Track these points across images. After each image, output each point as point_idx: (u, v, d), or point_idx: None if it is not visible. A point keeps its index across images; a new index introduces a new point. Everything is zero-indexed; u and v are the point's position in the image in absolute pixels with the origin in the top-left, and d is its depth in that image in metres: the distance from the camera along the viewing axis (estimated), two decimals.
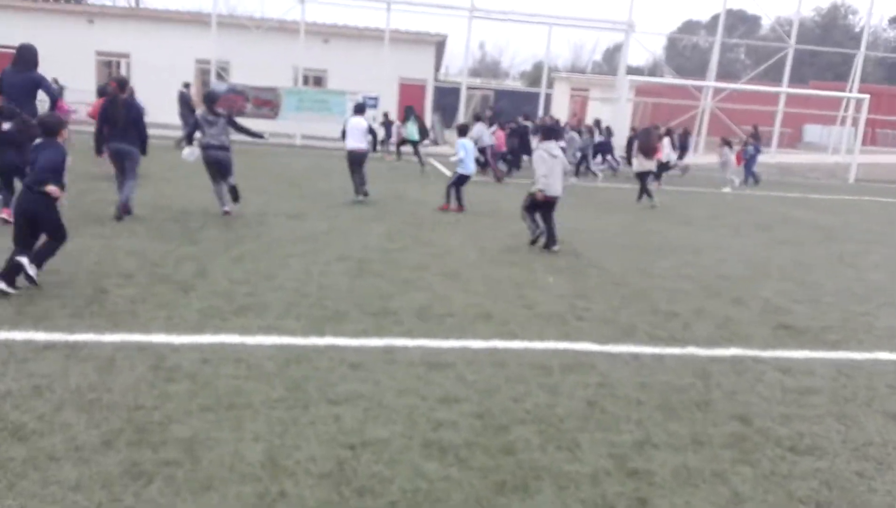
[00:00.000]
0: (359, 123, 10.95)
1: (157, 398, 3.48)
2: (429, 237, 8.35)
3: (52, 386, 3.54)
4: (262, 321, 4.80)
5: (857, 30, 47.47)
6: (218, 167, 8.71)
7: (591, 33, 55.13)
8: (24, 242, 5.12)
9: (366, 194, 11.00)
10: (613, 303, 5.90)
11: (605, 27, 28.07)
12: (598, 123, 19.75)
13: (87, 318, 4.63)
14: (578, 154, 17.40)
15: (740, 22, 54.09)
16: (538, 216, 8.16)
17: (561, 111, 30.12)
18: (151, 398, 3.48)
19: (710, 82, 25.45)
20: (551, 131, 8.94)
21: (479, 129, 15.11)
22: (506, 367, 4.20)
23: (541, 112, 25.50)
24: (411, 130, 18.60)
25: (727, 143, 17.20)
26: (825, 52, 40.73)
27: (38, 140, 5.49)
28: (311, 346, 4.37)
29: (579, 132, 18.36)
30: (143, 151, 8.45)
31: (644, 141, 13.13)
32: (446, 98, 28.23)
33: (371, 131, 12.41)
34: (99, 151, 8.56)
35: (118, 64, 26.62)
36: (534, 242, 8.19)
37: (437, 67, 32.40)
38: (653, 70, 51.36)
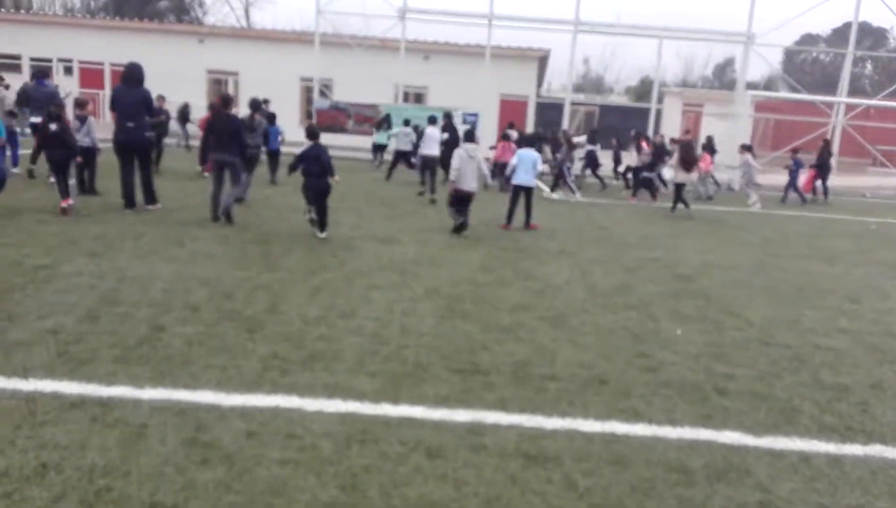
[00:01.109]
0: (433, 133, 12.69)
1: (179, 492, 2.73)
2: (529, 270, 7.40)
3: (61, 465, 2.87)
4: (329, 377, 4.02)
5: None
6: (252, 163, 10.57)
7: (704, 46, 52.11)
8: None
9: (433, 201, 11.98)
10: (762, 368, 4.72)
11: (721, 39, 26.14)
12: (594, 133, 17.95)
13: (133, 364, 4.01)
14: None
15: (865, 35, 49.79)
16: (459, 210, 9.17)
17: (672, 127, 28.33)
18: (173, 491, 2.73)
19: (843, 98, 23.02)
20: (470, 134, 9.73)
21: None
22: (629, 467, 3.18)
23: (651, 129, 23.94)
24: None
25: (748, 148, 15.62)
26: None
27: (309, 143, 8.32)
28: (381, 418, 3.52)
29: (556, 146, 16.51)
30: (244, 161, 9.29)
31: (685, 153, 13.24)
32: (549, 114, 27.20)
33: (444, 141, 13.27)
34: (203, 161, 9.60)
35: (227, 82, 27.40)
36: (456, 229, 9.19)
37: (540, 83, 31.44)
38: (768, 85, 48.02)
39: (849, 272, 8.49)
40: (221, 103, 9.06)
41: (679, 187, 13.17)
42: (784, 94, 28.56)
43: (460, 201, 9.14)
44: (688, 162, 13.12)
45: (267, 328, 4.84)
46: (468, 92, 23.58)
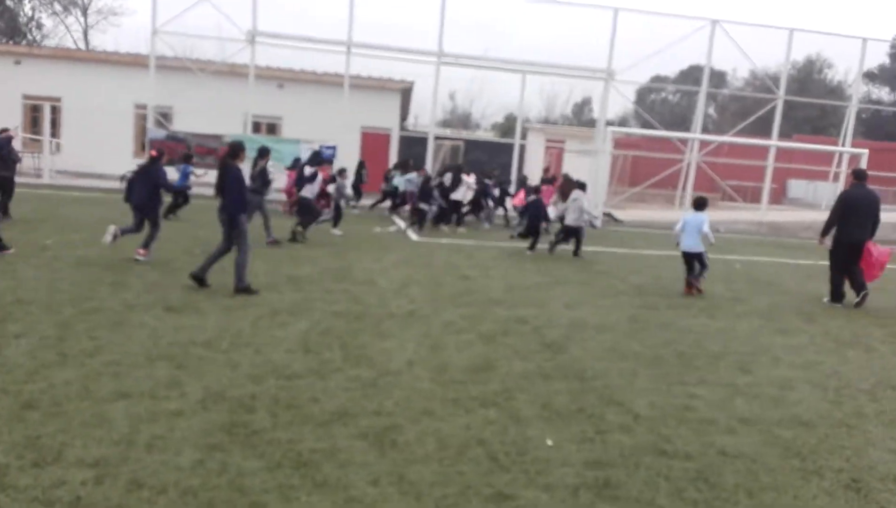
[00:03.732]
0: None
1: None
2: (365, 346, 5.75)
3: None
4: None
5: (835, 83, 47.00)
6: None
7: (565, 84, 53.74)
8: None
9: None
10: (664, 504, 3.34)
11: (583, 75, 26.24)
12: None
13: None
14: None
15: (709, 77, 53.52)
16: None
17: (536, 163, 28.08)
18: None
19: (697, 135, 23.63)
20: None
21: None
22: None
23: (515, 164, 23.38)
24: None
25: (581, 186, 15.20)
26: (803, 106, 39.81)
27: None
28: None
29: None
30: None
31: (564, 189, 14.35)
32: (414, 148, 26.00)
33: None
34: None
35: (48, 108, 23.97)
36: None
37: (404, 116, 30.36)
38: (623, 123, 50.07)
39: (732, 327, 7.56)
40: (229, 153, 7.59)
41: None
42: (644, 130, 29.22)
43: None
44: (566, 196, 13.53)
45: None
46: (326, 123, 21.92)
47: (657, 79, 50.91)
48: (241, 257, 7.37)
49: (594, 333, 6.82)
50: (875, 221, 9.36)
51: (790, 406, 5.01)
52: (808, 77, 46.05)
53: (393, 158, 25.16)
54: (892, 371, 6.14)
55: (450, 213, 15.81)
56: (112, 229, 8.80)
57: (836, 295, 9.39)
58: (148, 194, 8.81)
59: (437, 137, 25.38)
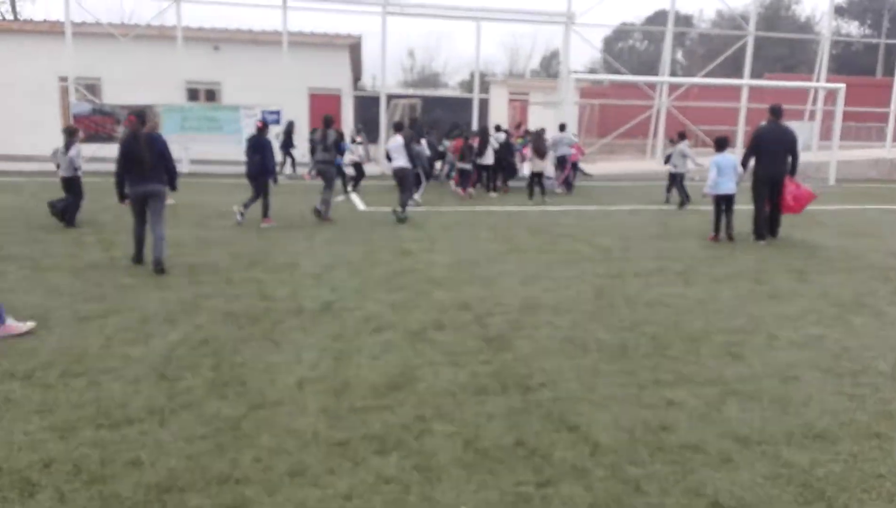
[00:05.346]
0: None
1: None
2: (247, 363, 4.40)
3: None
4: None
5: (803, 20, 45.71)
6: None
7: (527, 37, 51.85)
8: None
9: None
10: None
11: (541, 20, 24.59)
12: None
13: None
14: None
15: (675, 21, 51.88)
16: None
17: (500, 118, 26.60)
18: None
19: (666, 77, 22.25)
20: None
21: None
22: None
23: (476, 119, 21.85)
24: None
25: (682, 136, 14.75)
26: (772, 45, 38.53)
27: None
28: None
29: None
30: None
31: (536, 143, 13.73)
32: (371, 109, 24.30)
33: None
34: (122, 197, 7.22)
35: None
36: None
37: (358, 76, 28.52)
38: (591, 73, 48.38)
39: (714, 295, 6.34)
40: (137, 121, 7.09)
41: (536, 176, 13.62)
42: (608, 75, 27.77)
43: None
44: (540, 152, 13.48)
45: None
46: (270, 86, 20.18)
47: (623, 27, 49.19)
48: (162, 231, 6.98)
49: (549, 316, 5.55)
50: (793, 156, 9.21)
51: (799, 409, 3.80)
52: (775, 14, 44.67)
53: (347, 120, 23.52)
54: None
55: (478, 178, 15.15)
56: (236, 207, 9.85)
57: (759, 233, 9.25)
58: (256, 166, 9.64)
59: (393, 96, 23.69)
